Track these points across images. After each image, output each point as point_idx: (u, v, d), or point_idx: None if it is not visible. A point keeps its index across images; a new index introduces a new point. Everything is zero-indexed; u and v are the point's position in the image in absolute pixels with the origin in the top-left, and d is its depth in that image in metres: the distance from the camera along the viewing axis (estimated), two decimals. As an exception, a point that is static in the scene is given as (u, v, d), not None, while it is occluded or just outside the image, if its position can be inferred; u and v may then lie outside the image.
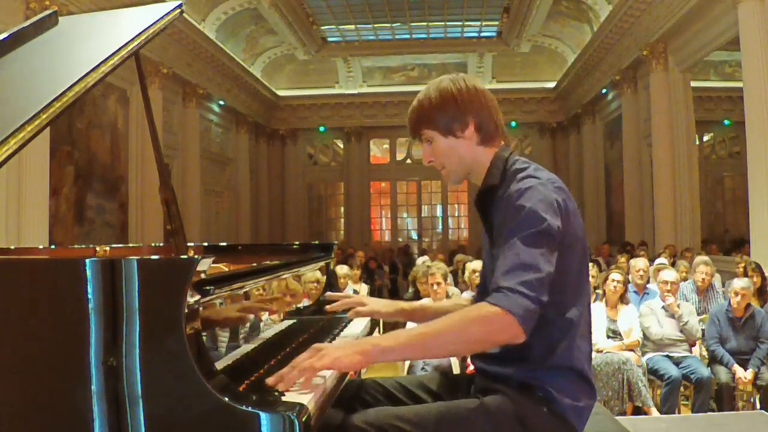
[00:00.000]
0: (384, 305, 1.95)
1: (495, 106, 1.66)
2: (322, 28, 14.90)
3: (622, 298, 4.73)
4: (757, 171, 7.30)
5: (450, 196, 17.88)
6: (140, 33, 1.87)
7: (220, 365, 1.44)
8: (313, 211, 18.42)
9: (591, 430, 1.59)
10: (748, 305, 4.64)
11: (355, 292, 6.37)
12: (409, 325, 2.33)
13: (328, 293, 2.20)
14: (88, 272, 1.29)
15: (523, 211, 1.46)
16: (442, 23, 14.79)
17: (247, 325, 1.77)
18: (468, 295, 5.23)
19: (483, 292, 1.80)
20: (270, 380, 1.36)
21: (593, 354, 4.41)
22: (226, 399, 1.23)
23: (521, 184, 1.51)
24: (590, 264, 5.20)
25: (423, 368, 4.29)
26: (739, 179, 12.45)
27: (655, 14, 10.20)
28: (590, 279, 4.97)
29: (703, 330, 4.77)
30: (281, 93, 17.02)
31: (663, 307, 4.68)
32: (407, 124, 1.69)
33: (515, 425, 1.48)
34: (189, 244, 2.48)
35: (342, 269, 5.75)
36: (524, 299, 1.36)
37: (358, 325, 2.38)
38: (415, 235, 18.31)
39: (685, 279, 6.05)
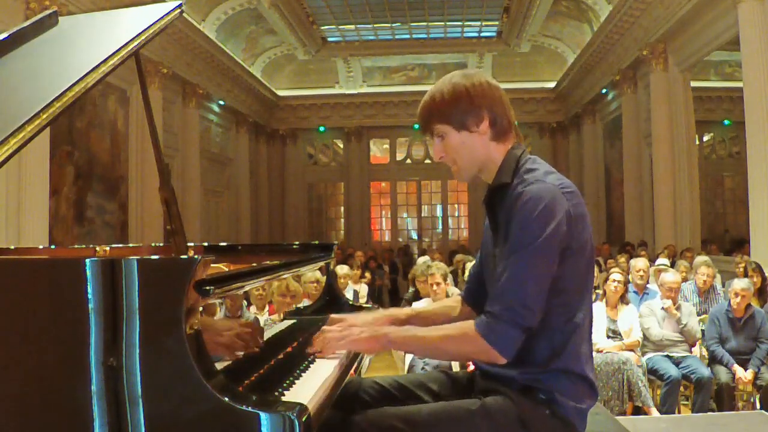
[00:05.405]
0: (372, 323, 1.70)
1: (507, 103, 1.63)
2: (322, 28, 14.89)
3: (623, 298, 4.73)
4: (757, 171, 7.30)
5: (450, 196, 17.83)
6: (140, 33, 1.86)
7: (220, 365, 1.44)
8: (313, 211, 18.40)
9: (591, 430, 1.59)
10: (748, 305, 4.64)
11: (355, 292, 6.38)
12: None
13: (332, 315, 1.85)
14: (88, 272, 1.29)
15: (525, 223, 1.45)
16: (442, 23, 14.78)
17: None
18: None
19: (470, 291, 1.81)
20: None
21: (593, 354, 4.43)
22: (226, 399, 1.23)
23: (528, 188, 1.48)
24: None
25: (423, 368, 4.28)
26: (739, 179, 12.45)
27: (655, 14, 10.19)
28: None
29: (703, 330, 4.77)
30: (281, 93, 17.01)
31: (663, 308, 4.68)
32: (418, 120, 1.65)
33: (517, 427, 1.48)
34: (189, 244, 2.48)
35: (342, 269, 5.74)
36: (505, 326, 1.43)
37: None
38: (415, 235, 18.28)
39: (685, 279, 6.04)
